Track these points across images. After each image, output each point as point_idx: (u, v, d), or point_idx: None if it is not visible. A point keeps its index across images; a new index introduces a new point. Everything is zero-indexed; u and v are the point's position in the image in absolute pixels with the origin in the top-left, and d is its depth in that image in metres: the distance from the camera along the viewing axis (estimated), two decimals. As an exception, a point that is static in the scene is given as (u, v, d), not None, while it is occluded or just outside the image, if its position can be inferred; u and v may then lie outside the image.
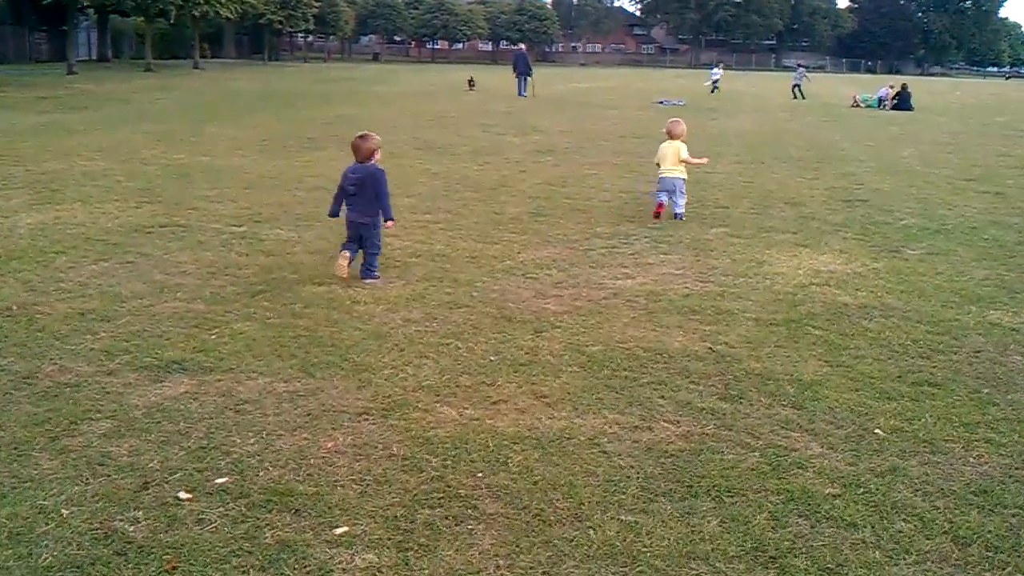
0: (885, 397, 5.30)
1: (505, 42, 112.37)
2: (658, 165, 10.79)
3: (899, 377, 5.64)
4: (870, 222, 10.77)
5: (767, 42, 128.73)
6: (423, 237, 9.33)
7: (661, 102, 34.09)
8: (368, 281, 7.43)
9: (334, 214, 7.79)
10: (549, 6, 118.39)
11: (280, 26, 75.97)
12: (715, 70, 44.27)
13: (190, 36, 61.12)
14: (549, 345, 6.10)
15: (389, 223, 7.57)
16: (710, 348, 6.10)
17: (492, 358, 5.84)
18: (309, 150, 16.45)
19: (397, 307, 6.86)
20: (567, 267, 8.24)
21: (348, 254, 7.46)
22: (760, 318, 6.78)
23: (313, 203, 10.92)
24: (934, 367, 5.83)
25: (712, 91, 41.86)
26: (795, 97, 40.04)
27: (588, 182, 13.41)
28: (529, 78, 35.76)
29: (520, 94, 35.64)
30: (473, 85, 42.50)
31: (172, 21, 52.59)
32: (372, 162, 7.47)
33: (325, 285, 7.38)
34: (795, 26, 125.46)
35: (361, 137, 7.52)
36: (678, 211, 10.73)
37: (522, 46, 43.87)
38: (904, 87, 34.68)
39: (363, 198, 7.46)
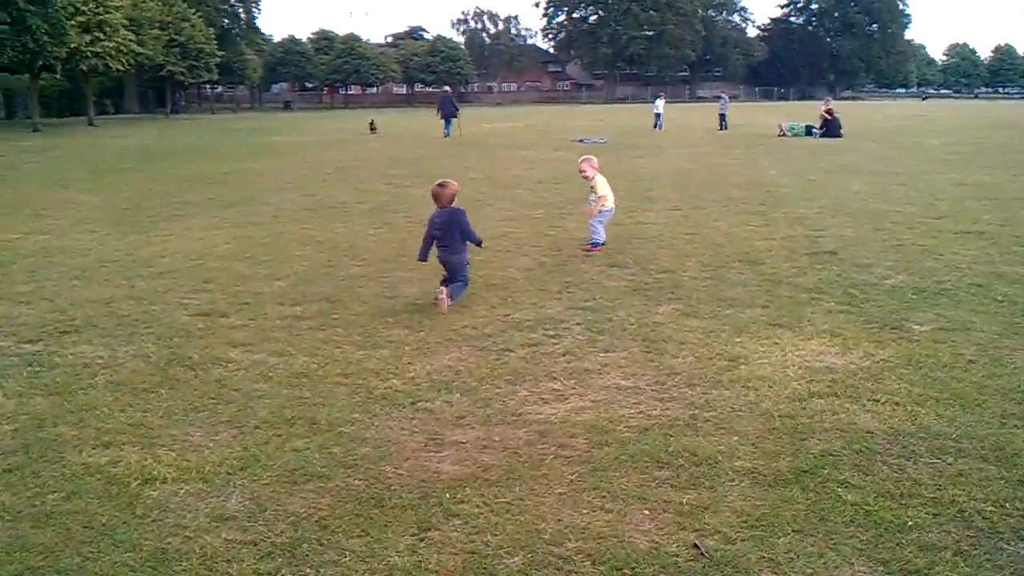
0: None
1: (420, 84, 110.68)
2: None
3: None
4: (850, 284, 8.67)
5: (681, 74, 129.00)
6: (283, 343, 6.98)
7: (581, 140, 32.18)
8: (450, 303, 7.91)
9: (423, 259, 8.40)
10: (462, 46, 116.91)
11: (183, 77, 72.91)
12: (657, 102, 42.03)
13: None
14: (439, 558, 3.74)
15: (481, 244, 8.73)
16: (696, 546, 3.80)
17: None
18: (177, 219, 13.95)
19: (211, 487, 4.48)
20: (474, 385, 5.93)
21: (446, 289, 7.98)
22: (757, 471, 4.52)
23: (151, 297, 8.51)
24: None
25: (656, 126, 39.74)
26: (721, 128, 38.47)
27: (503, 244, 11.14)
28: (455, 119, 36.56)
29: (446, 134, 36.04)
30: (375, 129, 40.43)
31: (59, 76, 49.49)
32: (453, 205, 8.30)
33: (114, 447, 4.97)
34: (707, 56, 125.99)
35: (441, 185, 8.38)
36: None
37: (447, 88, 43.40)
38: (831, 112, 33.23)
39: (450, 238, 8.23)
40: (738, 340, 6.87)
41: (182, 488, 4.47)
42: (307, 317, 7.80)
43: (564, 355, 6.59)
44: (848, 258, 9.97)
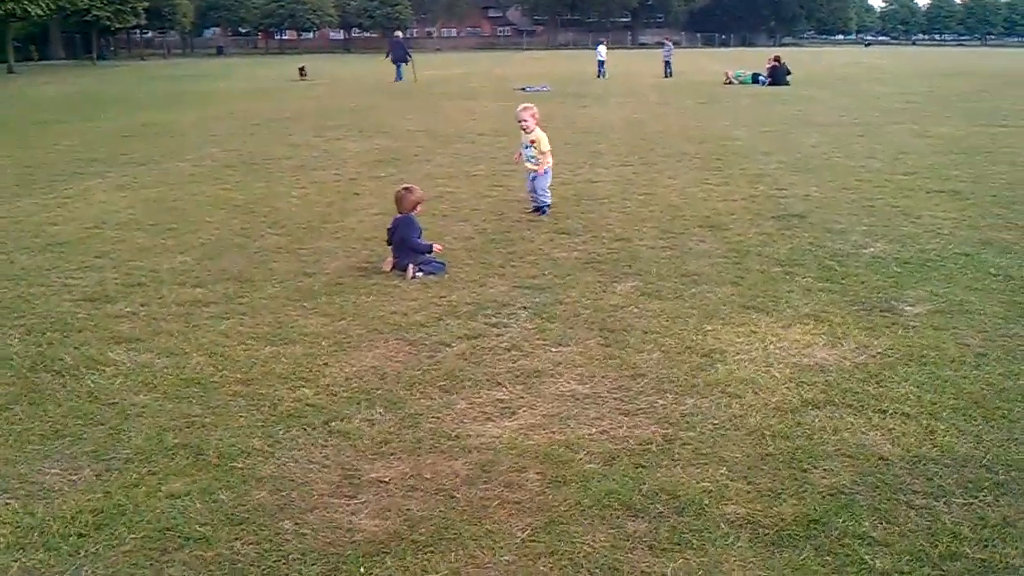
0: None
1: (357, 30, 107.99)
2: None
3: None
4: (826, 255, 7.77)
5: (622, 20, 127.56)
6: (176, 338, 5.91)
7: (523, 88, 30.99)
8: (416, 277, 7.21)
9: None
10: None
11: (109, 22, 69.95)
12: (600, 49, 40.71)
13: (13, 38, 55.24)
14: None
15: (437, 247, 7.66)
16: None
17: None
18: (81, 178, 12.64)
19: (53, 560, 3.42)
20: (401, 395, 4.90)
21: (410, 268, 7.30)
22: (755, 520, 3.59)
23: (31, 277, 7.46)
24: None
25: (600, 74, 38.58)
26: (666, 75, 37.44)
27: (440, 207, 10.06)
28: (406, 64, 36.14)
29: (398, 78, 35.66)
30: (305, 75, 38.87)
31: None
32: (414, 213, 7.52)
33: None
34: (649, 2, 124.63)
35: (407, 189, 7.62)
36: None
37: (398, 33, 42.18)
38: (778, 60, 32.37)
39: (400, 247, 7.41)
40: (709, 328, 5.91)
41: (13, 562, 3.39)
42: (209, 302, 6.68)
43: (509, 350, 5.58)
44: (818, 222, 9.06)
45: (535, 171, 9.45)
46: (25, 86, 38.62)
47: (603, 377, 5.11)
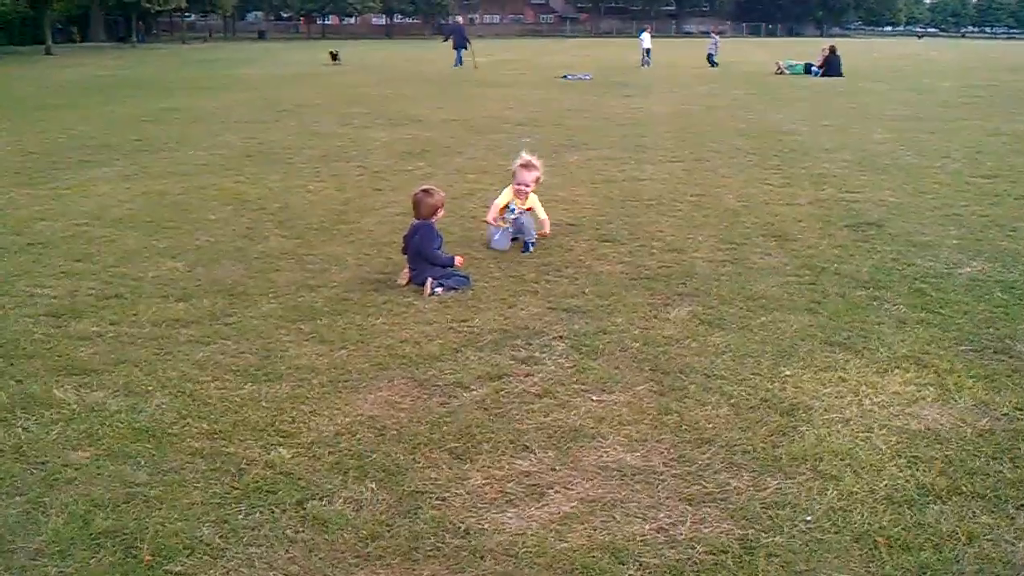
0: None
1: (400, 16, 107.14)
2: None
3: None
4: (915, 273, 6.62)
5: (667, 8, 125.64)
6: (142, 370, 4.95)
7: (565, 76, 29.83)
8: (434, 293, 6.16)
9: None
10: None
11: (148, 5, 69.47)
12: (643, 36, 39.26)
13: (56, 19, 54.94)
14: None
15: (459, 260, 6.66)
16: None
17: None
18: (86, 167, 11.70)
19: None
20: (401, 462, 3.88)
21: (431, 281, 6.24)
22: None
23: None
24: None
25: (644, 63, 37.30)
26: (712, 66, 36.07)
27: (467, 206, 9.00)
28: (466, 49, 36.36)
29: (458, 64, 35.92)
30: (336, 59, 37.96)
31: (20, 1, 46.60)
32: (433, 220, 6.50)
33: None
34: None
35: (426, 192, 6.55)
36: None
37: (459, 19, 41.40)
38: (833, 50, 30.91)
39: (415, 258, 6.40)
40: (787, 373, 4.78)
41: None
42: (191, 321, 5.66)
43: (540, 397, 4.49)
44: (899, 233, 7.89)
45: (519, 213, 7.55)
46: (58, 68, 38.01)
47: (658, 441, 4.01)
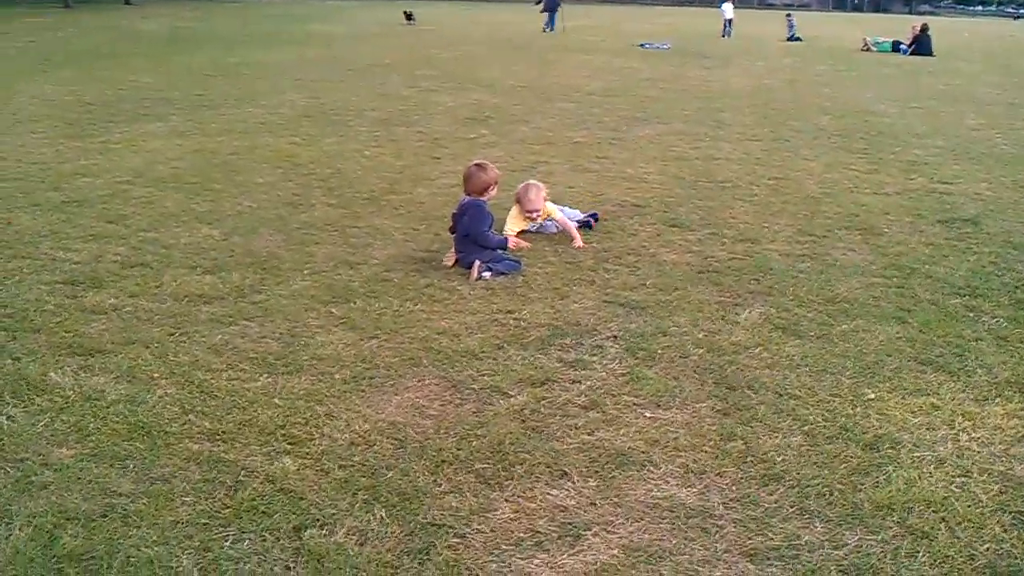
0: None
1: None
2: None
3: None
4: (1017, 281, 6.04)
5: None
6: (152, 353, 4.54)
7: (643, 45, 28.99)
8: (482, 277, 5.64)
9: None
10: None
11: (229, -43, 69.38)
12: (725, 7, 37.92)
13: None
14: None
15: (513, 241, 6.26)
16: None
17: None
18: (141, 121, 11.41)
19: None
20: (420, 482, 3.40)
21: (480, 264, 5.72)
22: None
23: (22, 243, 6.25)
24: None
25: (724, 33, 36.19)
26: (793, 40, 34.71)
27: (527, 180, 8.35)
28: (557, 12, 35.99)
29: (549, 29, 35.52)
30: (411, 19, 37.36)
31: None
32: (484, 197, 5.93)
33: None
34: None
35: (478, 166, 6.01)
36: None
37: None
38: (924, 29, 29.53)
39: (462, 238, 5.88)
40: (871, 395, 4.17)
41: None
42: (215, 297, 5.22)
43: (587, 410, 3.95)
44: (998, 232, 7.17)
45: (542, 223, 6.90)
46: (135, 19, 38.04)
47: (718, 475, 3.45)
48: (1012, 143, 11.59)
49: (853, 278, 5.94)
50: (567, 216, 6.82)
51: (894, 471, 3.52)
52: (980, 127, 12.96)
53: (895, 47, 30.29)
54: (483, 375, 4.32)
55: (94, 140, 10.02)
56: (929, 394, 4.24)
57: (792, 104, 15.02)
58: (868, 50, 30.57)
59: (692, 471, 3.50)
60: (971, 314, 5.34)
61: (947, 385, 4.34)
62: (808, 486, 3.40)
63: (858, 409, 4.05)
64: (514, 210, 6.75)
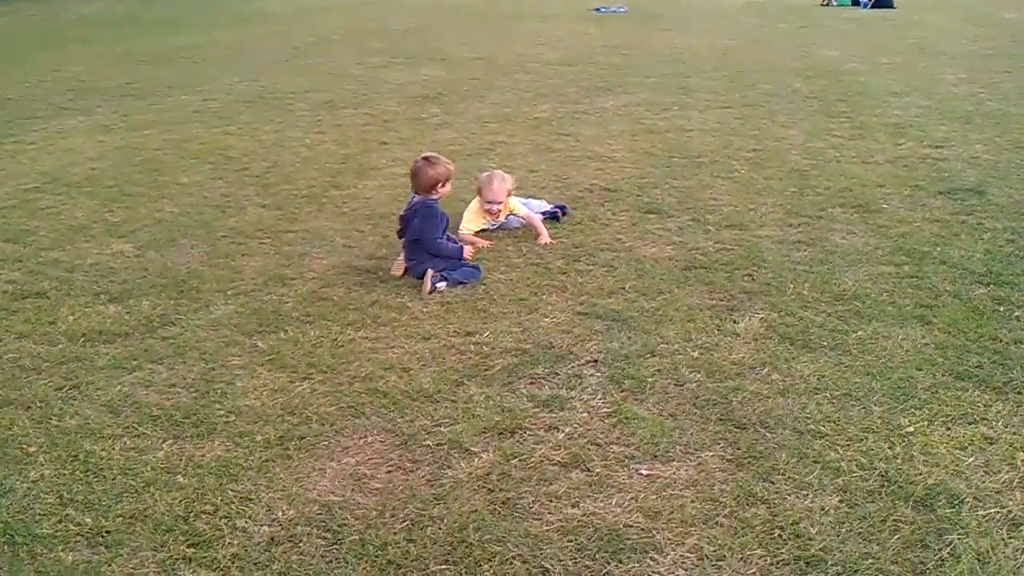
0: None
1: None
2: None
3: None
4: (1042, 264, 5.14)
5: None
6: (24, 419, 3.69)
7: (599, 9, 27.97)
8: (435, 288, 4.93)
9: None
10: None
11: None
12: None
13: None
14: None
15: (469, 250, 5.38)
16: None
17: None
18: (62, 116, 10.50)
19: None
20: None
21: (433, 273, 5.00)
22: None
23: None
24: None
25: None
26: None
27: (486, 164, 7.62)
28: None
29: None
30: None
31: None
32: (433, 196, 5.16)
33: None
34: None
35: (427, 160, 5.20)
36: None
37: None
38: (885, -21, 28.74)
39: (411, 244, 5.16)
40: (909, 428, 3.46)
41: None
42: (118, 334, 4.36)
43: (567, 469, 3.19)
44: (1006, 202, 6.47)
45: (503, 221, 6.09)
46: (75, 2, 36.46)
47: (742, 560, 2.69)
48: (999, 99, 10.88)
49: (859, 268, 5.19)
50: (532, 209, 6.00)
51: (959, 540, 2.78)
52: (960, 82, 12.25)
53: (855, 1, 29.51)
54: (439, 425, 3.52)
55: (6, 141, 9.08)
56: (977, 421, 3.50)
57: (759, 66, 14.23)
58: (827, 5, 29.76)
59: (707, 556, 2.73)
60: (1001, 308, 4.61)
61: (995, 407, 3.60)
62: (857, 571, 2.62)
63: (897, 449, 3.31)
64: (474, 203, 5.94)
